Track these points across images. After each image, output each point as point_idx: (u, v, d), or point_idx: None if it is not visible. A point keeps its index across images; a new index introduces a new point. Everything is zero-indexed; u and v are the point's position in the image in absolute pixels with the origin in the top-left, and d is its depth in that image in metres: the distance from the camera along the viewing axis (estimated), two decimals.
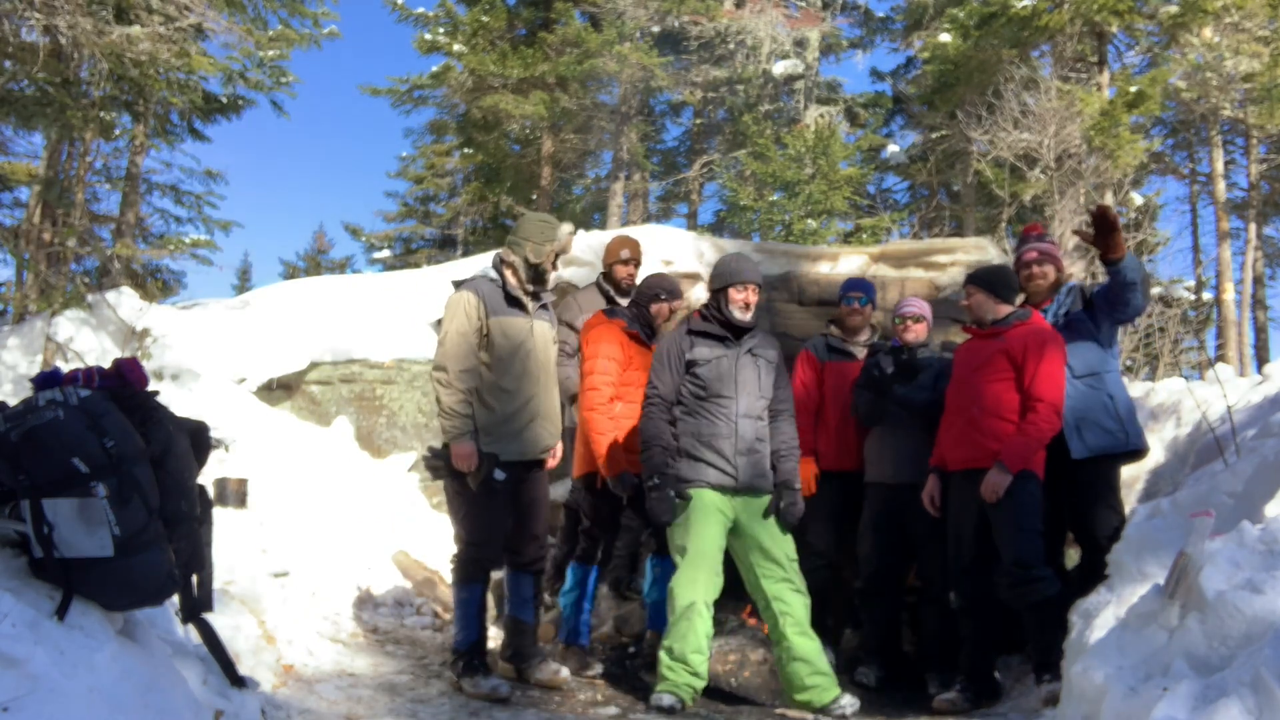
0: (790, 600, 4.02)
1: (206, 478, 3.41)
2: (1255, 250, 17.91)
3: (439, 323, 7.27)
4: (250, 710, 2.83)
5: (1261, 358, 18.37)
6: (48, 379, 2.58)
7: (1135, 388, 6.11)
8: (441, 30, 17.06)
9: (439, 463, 4.12)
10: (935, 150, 17.52)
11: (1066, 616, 3.26)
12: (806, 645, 3.99)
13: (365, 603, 5.33)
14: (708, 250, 7.43)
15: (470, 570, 4.15)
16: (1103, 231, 4.06)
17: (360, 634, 4.95)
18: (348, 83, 58.04)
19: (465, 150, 19.15)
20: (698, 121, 19.67)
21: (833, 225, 14.92)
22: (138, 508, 2.42)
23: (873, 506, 4.68)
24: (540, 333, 4.25)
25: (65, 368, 3.85)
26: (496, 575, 4.57)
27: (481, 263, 7.38)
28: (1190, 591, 2.38)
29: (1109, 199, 14.41)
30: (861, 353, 4.90)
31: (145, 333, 7.16)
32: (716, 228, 18.71)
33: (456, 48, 16.75)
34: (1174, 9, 14.48)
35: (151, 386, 2.78)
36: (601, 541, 4.72)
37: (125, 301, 7.40)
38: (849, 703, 3.95)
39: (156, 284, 13.27)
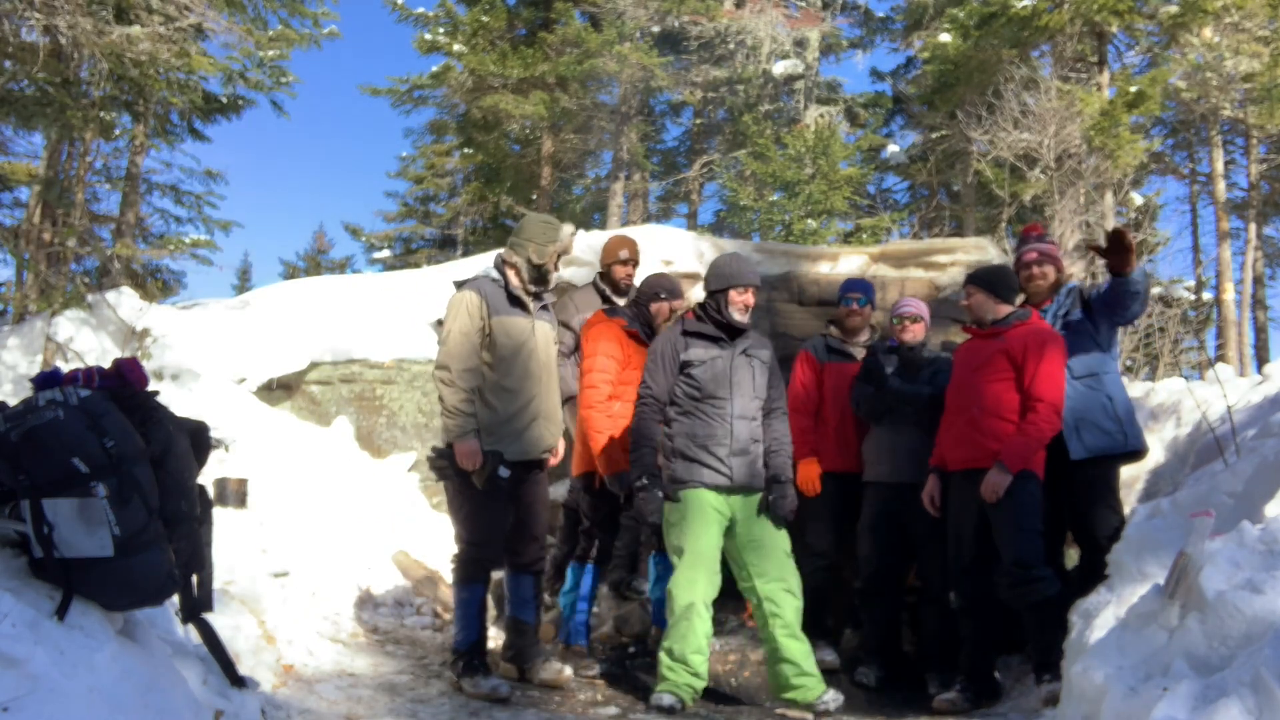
0: (781, 602, 4.02)
1: (206, 478, 3.41)
2: (1255, 250, 17.91)
3: (439, 323, 7.28)
4: (250, 710, 2.83)
5: (1261, 358, 18.37)
6: (48, 379, 2.58)
7: (1135, 388, 6.11)
8: (441, 30, 17.06)
9: (444, 462, 4.12)
10: (935, 150, 17.53)
11: (1066, 616, 3.26)
12: (794, 647, 4.00)
13: (365, 603, 5.33)
14: (708, 250, 7.43)
15: (471, 570, 4.16)
16: (1117, 251, 4.09)
17: (360, 634, 4.95)
18: (348, 83, 58.05)
19: (465, 150, 19.15)
20: (698, 121, 19.67)
21: (833, 225, 14.92)
22: (138, 508, 2.42)
23: (872, 506, 4.68)
24: (542, 333, 4.26)
25: (65, 368, 3.85)
26: (496, 576, 4.57)
27: (482, 263, 7.38)
28: (1190, 591, 2.38)
29: (1109, 199, 14.43)
30: (861, 353, 4.90)
31: (145, 333, 7.15)
32: (716, 228, 18.70)
33: (456, 48, 16.75)
34: (1174, 9, 14.48)
35: (151, 386, 2.78)
36: (601, 541, 4.73)
37: (125, 301, 7.40)
38: (832, 698, 3.99)
39: (156, 284, 13.28)
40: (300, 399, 7.22)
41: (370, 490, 6.51)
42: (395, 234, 22.92)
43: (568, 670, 4.33)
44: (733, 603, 4.52)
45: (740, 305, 4.13)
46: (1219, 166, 17.30)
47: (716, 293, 4.16)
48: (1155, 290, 15.28)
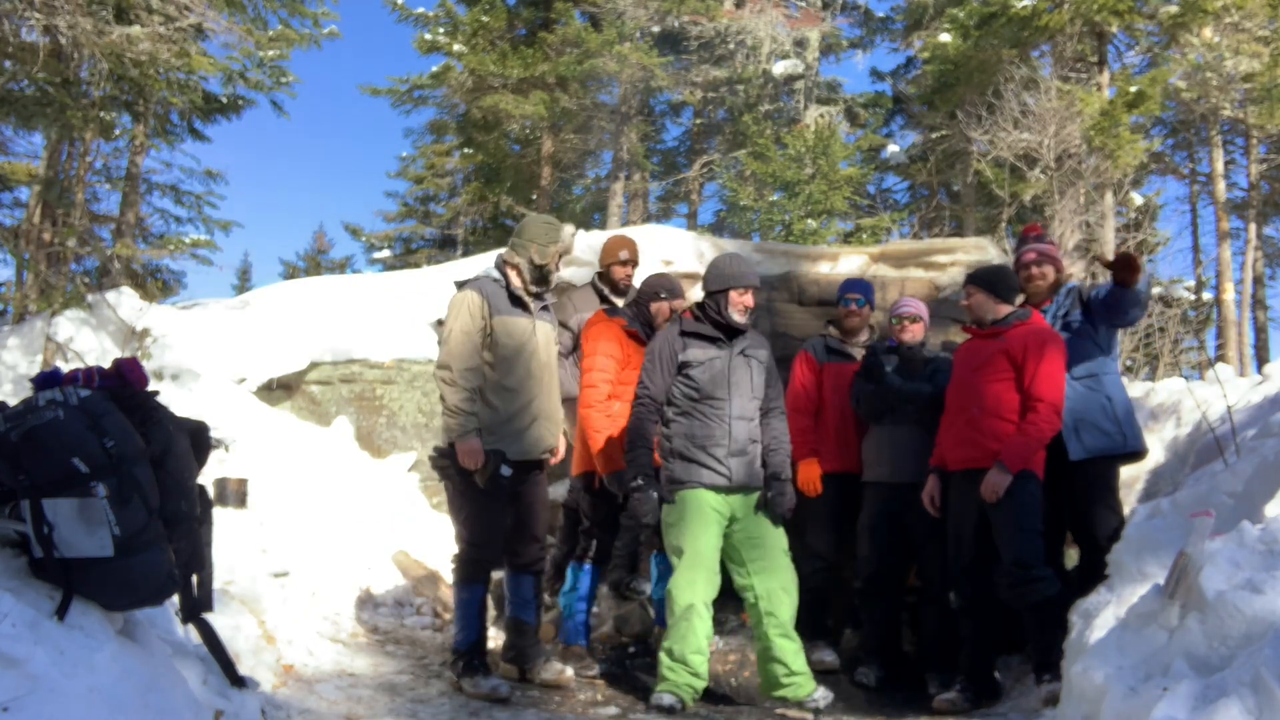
0: (777, 601, 4.02)
1: (206, 478, 3.41)
2: (1255, 250, 17.90)
3: (439, 323, 7.28)
4: (250, 710, 2.83)
5: (1261, 358, 18.36)
6: (48, 379, 2.58)
7: (1135, 388, 6.11)
8: (441, 30, 17.06)
9: (445, 462, 4.13)
10: (935, 150, 17.52)
11: (1066, 616, 3.26)
12: (786, 647, 4.01)
13: (365, 603, 5.33)
14: (708, 250, 7.43)
15: (471, 570, 4.16)
16: (1126, 269, 4.11)
17: (360, 634, 4.95)
18: (348, 83, 58.02)
19: (465, 150, 19.15)
20: (698, 121, 19.67)
21: (833, 225, 14.91)
22: (138, 508, 2.42)
23: (872, 506, 4.68)
24: (543, 333, 4.28)
25: (65, 368, 3.85)
26: (497, 576, 4.57)
27: (482, 263, 7.38)
28: (1190, 591, 2.38)
29: (1109, 199, 14.43)
30: (860, 354, 4.89)
31: (145, 333, 7.15)
32: (716, 228, 18.69)
33: (456, 48, 16.75)
34: (1174, 9, 14.47)
35: (151, 386, 2.78)
36: (601, 541, 4.73)
37: (125, 301, 7.40)
38: (822, 695, 4.02)
39: (156, 284, 13.27)
40: (300, 399, 7.22)
41: (370, 490, 6.51)
42: (395, 234, 22.92)
43: (569, 671, 4.33)
44: (733, 603, 4.52)
45: (740, 306, 4.13)
46: (1219, 166, 17.30)
47: (716, 293, 4.15)
48: (1155, 290, 15.28)
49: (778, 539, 4.12)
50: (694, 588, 3.96)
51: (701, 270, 6.79)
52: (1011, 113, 13.95)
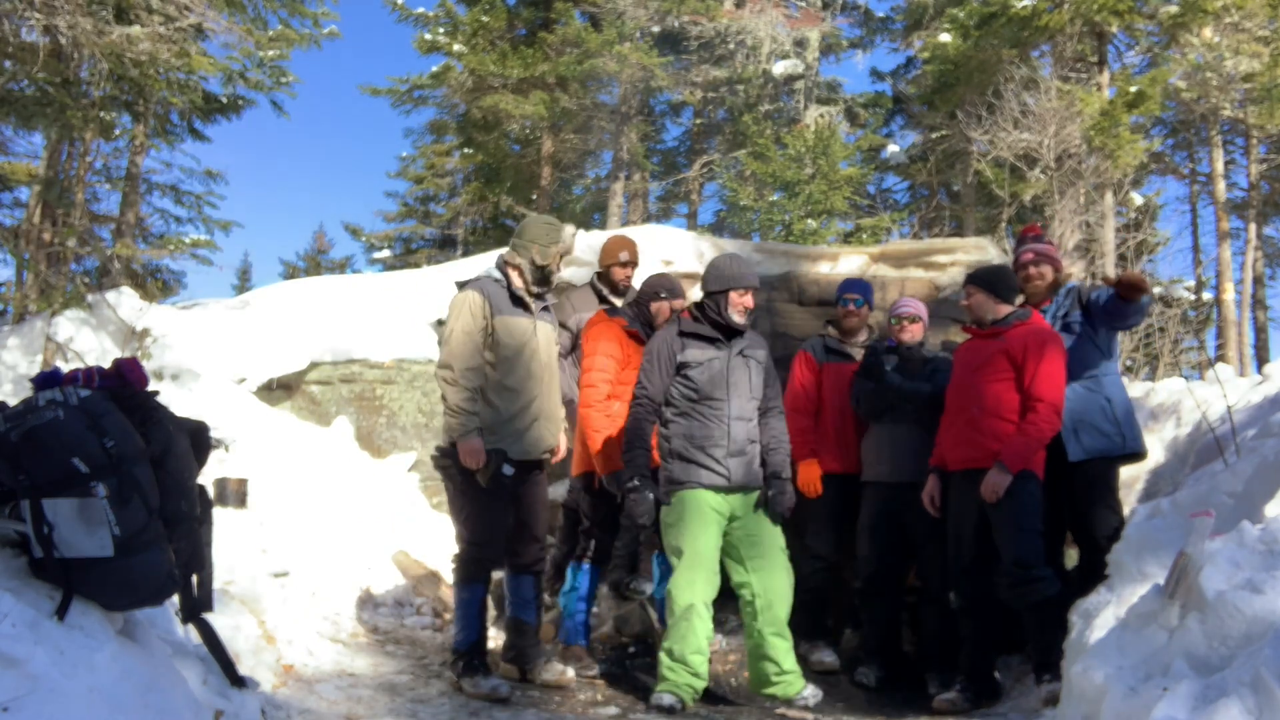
0: (774, 599, 4.03)
1: (206, 478, 3.41)
2: (1255, 250, 17.90)
3: (439, 323, 7.28)
4: (250, 710, 2.83)
5: (1261, 358, 18.36)
6: (48, 379, 2.58)
7: (1135, 388, 6.11)
8: (441, 30, 17.06)
9: (447, 461, 4.13)
10: (935, 150, 17.52)
11: (1066, 616, 3.26)
12: (778, 645, 4.02)
13: (365, 603, 5.33)
14: (708, 250, 7.42)
15: (472, 570, 4.16)
16: (1132, 290, 4.14)
17: (360, 634, 4.95)
18: (348, 83, 57.98)
19: (465, 150, 19.14)
20: (698, 121, 19.66)
21: (833, 225, 14.91)
22: (138, 508, 2.42)
23: (871, 506, 4.68)
24: (544, 333, 4.29)
25: (65, 368, 3.85)
26: (497, 576, 4.58)
27: (482, 263, 7.38)
28: (1190, 591, 2.38)
29: (1109, 199, 14.42)
30: (859, 354, 4.89)
31: (145, 333, 7.15)
32: (716, 228, 18.69)
33: (456, 48, 16.75)
34: (1174, 9, 14.47)
35: (151, 386, 2.78)
36: (601, 541, 4.73)
37: (125, 301, 7.40)
38: (811, 693, 4.04)
39: (156, 284, 13.27)
40: (300, 399, 7.22)
41: (370, 490, 6.51)
42: (395, 234, 22.91)
43: (570, 672, 4.33)
44: (733, 603, 4.52)
45: (740, 307, 4.13)
46: (1219, 166, 17.30)
47: (716, 293, 4.15)
48: (1155, 290, 15.28)
49: (776, 537, 4.12)
50: (694, 588, 3.96)
51: (701, 270, 6.79)
52: (1011, 113, 13.95)
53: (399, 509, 6.53)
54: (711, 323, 4.15)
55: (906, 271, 6.59)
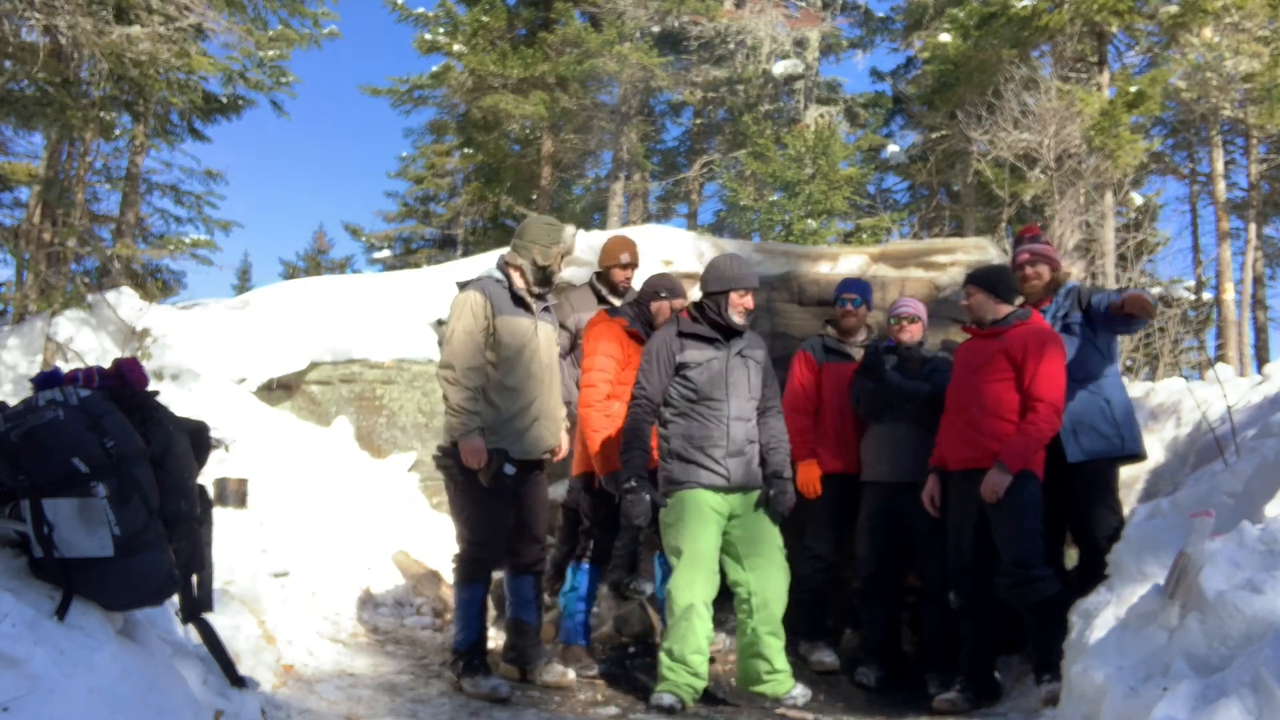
0: (769, 598, 4.04)
1: (206, 478, 3.41)
2: (1255, 250, 17.90)
3: (440, 323, 7.27)
4: (250, 710, 2.83)
5: (1261, 358, 18.36)
6: (48, 379, 2.58)
7: (1135, 388, 6.11)
8: (441, 30, 17.06)
9: (449, 461, 4.14)
10: (935, 150, 17.52)
11: (1066, 616, 3.26)
12: (771, 644, 4.03)
13: (365, 603, 5.33)
14: (708, 250, 7.42)
15: (472, 570, 4.17)
16: (1139, 312, 4.18)
17: (360, 634, 4.95)
18: (348, 83, 57.97)
19: (465, 150, 19.14)
20: (698, 121, 19.66)
21: (833, 225, 14.91)
22: (138, 508, 2.42)
23: (871, 506, 4.68)
24: (544, 334, 4.30)
25: (65, 368, 3.85)
26: (497, 577, 4.58)
27: (481, 263, 7.38)
28: (1190, 591, 2.38)
29: (1109, 199, 14.42)
30: (858, 354, 4.90)
31: (145, 333, 7.15)
32: (716, 228, 18.69)
33: (456, 48, 16.75)
34: (1174, 9, 14.47)
35: (151, 386, 2.78)
36: (600, 541, 4.73)
37: (125, 301, 7.40)
38: (800, 693, 4.05)
39: (156, 284, 13.27)
40: (300, 399, 7.22)
41: (370, 490, 6.51)
42: (395, 234, 22.91)
43: (571, 674, 4.33)
44: (732, 603, 4.53)
45: (740, 308, 4.13)
46: (1219, 166, 17.29)
47: (716, 294, 4.14)
48: (1155, 290, 15.29)
49: (773, 537, 4.12)
50: (693, 588, 3.96)
51: (701, 270, 6.79)
52: (1011, 113, 13.95)
53: (399, 509, 6.53)
54: (711, 323, 4.15)
55: (906, 271, 6.59)
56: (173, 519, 2.56)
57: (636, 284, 5.02)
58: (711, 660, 4.16)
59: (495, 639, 4.62)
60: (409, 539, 6.19)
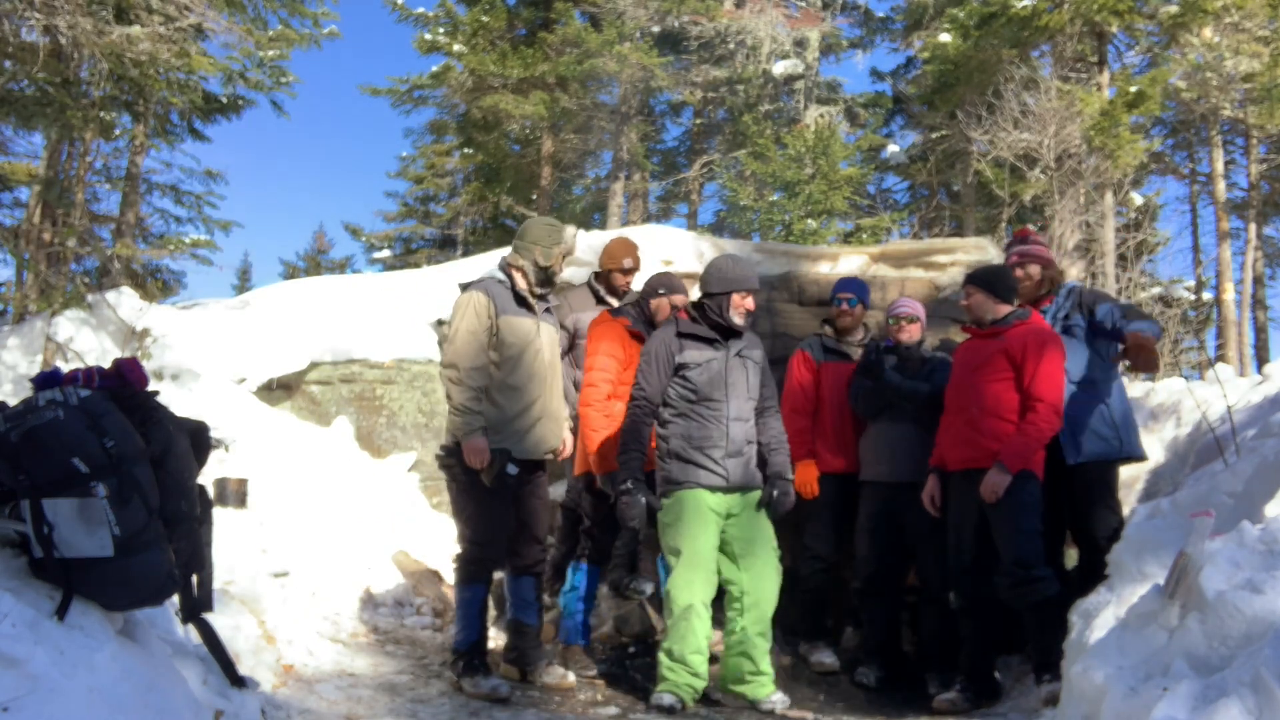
0: (762, 598, 4.03)
1: (206, 478, 3.41)
2: (1255, 250, 17.90)
3: (440, 323, 7.27)
4: (250, 710, 2.83)
5: (1261, 358, 18.36)
6: (48, 379, 2.58)
7: (1135, 388, 6.10)
8: (441, 30, 17.06)
9: (451, 460, 4.14)
10: (935, 150, 17.52)
11: (1066, 616, 3.26)
12: (759, 645, 4.03)
13: (365, 603, 5.33)
14: (708, 250, 7.42)
15: (473, 570, 4.17)
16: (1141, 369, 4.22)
17: (360, 634, 4.95)
18: (348, 83, 58.02)
19: (465, 150, 19.15)
20: (698, 121, 19.67)
21: (833, 225, 14.91)
22: (138, 508, 2.42)
23: (870, 506, 4.67)
24: (547, 334, 4.32)
25: (65, 368, 3.85)
26: (497, 577, 4.58)
27: (481, 263, 7.38)
28: (1190, 591, 2.38)
29: (1109, 199, 14.42)
30: (857, 353, 4.89)
31: (145, 333, 7.15)
32: (716, 228, 18.69)
33: (456, 48, 16.75)
34: (1174, 9, 14.47)
35: (151, 386, 2.78)
36: (600, 541, 4.72)
37: (125, 301, 7.40)
38: (779, 699, 4.03)
39: (156, 284, 13.27)
40: (300, 399, 7.22)
41: (370, 490, 6.51)
42: (395, 234, 22.92)
43: (571, 676, 4.34)
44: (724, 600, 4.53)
45: (741, 309, 4.12)
46: (1219, 166, 17.30)
47: (717, 295, 4.14)
48: (1155, 290, 15.29)
49: (769, 537, 4.12)
50: (692, 588, 3.96)
51: (701, 270, 6.78)
52: (1011, 113, 13.95)
53: (399, 509, 6.53)
54: (710, 323, 4.15)
55: (906, 271, 6.58)
56: (173, 519, 2.56)
57: (636, 286, 5.01)
58: (711, 660, 4.16)
59: (496, 639, 4.62)
60: (409, 539, 6.19)
